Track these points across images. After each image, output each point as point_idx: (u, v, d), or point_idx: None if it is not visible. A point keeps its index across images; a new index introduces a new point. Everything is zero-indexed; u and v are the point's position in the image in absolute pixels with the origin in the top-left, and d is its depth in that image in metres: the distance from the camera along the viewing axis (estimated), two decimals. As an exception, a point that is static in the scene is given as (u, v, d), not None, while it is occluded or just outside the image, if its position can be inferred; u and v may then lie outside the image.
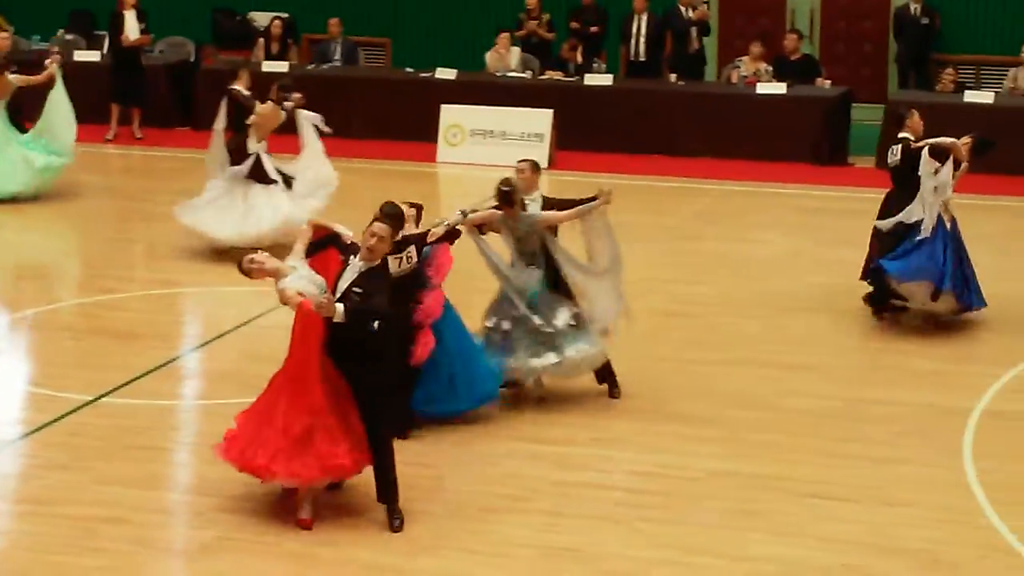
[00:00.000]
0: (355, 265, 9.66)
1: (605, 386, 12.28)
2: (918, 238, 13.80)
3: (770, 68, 22.05)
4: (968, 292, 14.06)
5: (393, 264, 10.26)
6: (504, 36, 23.08)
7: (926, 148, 13.81)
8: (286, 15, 24.83)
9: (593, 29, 23.31)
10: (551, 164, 21.00)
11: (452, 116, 21.87)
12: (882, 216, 14.26)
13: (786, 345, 13.73)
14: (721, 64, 24.06)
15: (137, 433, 11.49)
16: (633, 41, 22.98)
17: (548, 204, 11.99)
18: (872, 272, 14.19)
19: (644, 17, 22.85)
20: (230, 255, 16.21)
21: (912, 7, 23.10)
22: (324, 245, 10.01)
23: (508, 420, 11.80)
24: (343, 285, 9.61)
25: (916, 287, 13.91)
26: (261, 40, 24.29)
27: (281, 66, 23.21)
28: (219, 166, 16.29)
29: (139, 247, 16.78)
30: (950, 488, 10.67)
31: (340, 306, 9.44)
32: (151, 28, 23.26)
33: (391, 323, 9.85)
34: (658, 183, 20.25)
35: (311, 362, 9.59)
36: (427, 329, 11.24)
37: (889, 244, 14.02)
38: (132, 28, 22.63)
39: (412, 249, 10.90)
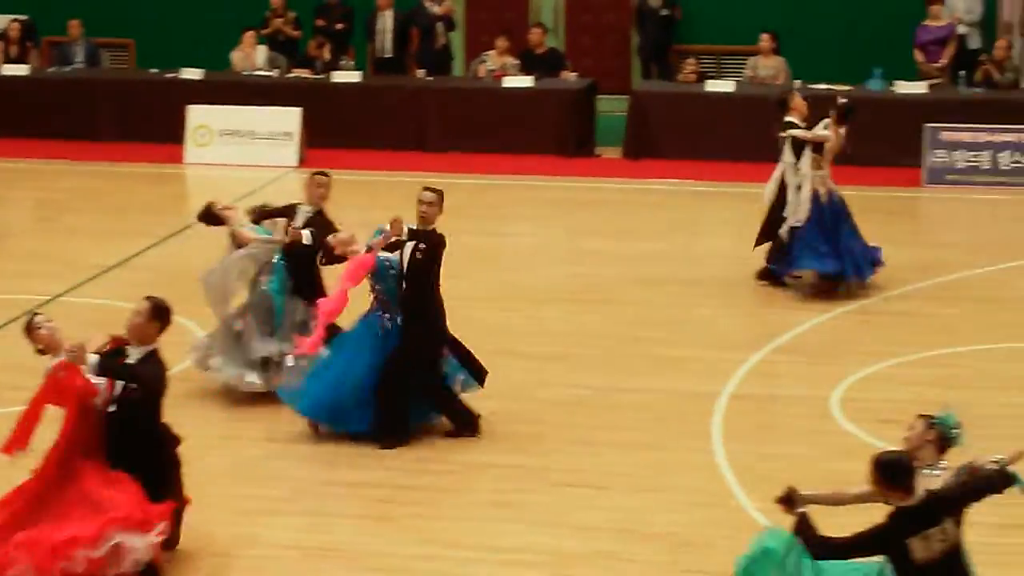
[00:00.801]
0: (133, 353, 9.42)
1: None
2: (792, 226, 14.91)
3: (517, 62, 22.28)
4: (850, 264, 14.94)
5: None
6: (250, 35, 22.90)
7: (788, 140, 14.90)
8: (24, 17, 24.26)
9: (339, 26, 23.27)
10: (302, 162, 20.94)
11: (199, 116, 21.65)
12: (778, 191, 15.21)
13: (540, 336, 13.94)
14: (468, 59, 24.22)
15: None
16: (379, 38, 23.00)
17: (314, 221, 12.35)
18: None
19: (389, 13, 22.88)
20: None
21: (652, -1, 23.46)
22: (116, 356, 9.77)
23: (278, 422, 11.78)
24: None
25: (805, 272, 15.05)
26: (-1, 43, 23.77)
27: (21, 69, 22.77)
28: None
29: None
30: (700, 471, 10.97)
31: (94, 357, 9.18)
32: None
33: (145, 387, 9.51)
34: (409, 179, 20.20)
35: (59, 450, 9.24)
36: None
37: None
38: None
39: None
